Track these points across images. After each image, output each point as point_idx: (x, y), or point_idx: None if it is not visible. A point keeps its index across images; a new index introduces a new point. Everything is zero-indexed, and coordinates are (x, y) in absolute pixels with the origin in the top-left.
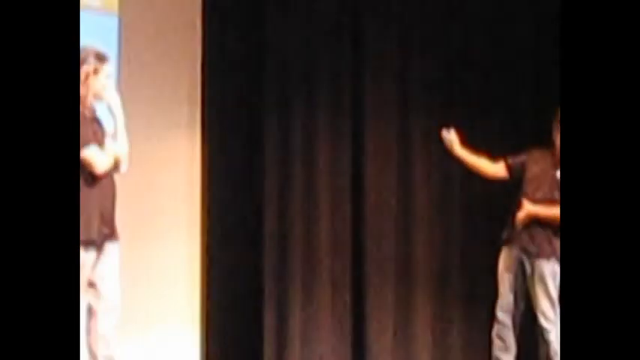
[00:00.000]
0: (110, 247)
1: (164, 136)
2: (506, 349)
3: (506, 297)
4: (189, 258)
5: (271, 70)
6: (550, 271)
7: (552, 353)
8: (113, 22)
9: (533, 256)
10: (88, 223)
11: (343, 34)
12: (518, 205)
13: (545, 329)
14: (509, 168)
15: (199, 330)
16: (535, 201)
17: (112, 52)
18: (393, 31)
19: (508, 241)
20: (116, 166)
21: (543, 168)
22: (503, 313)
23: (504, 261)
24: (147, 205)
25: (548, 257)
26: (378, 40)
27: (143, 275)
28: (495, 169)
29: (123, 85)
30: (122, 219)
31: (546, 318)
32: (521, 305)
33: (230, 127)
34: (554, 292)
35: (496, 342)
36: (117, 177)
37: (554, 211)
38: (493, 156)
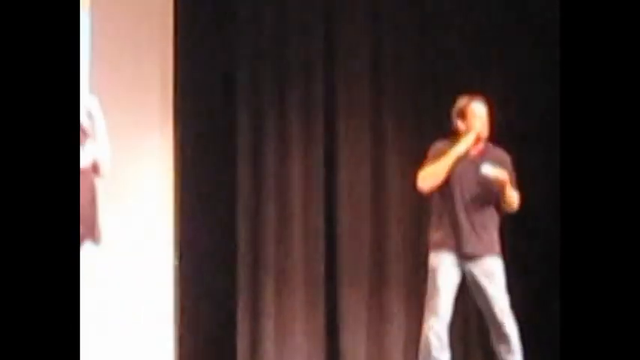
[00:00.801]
0: (87, 248)
1: (136, 132)
2: (442, 348)
3: (445, 294)
4: (162, 257)
5: (244, 64)
6: (498, 266)
7: (513, 346)
8: (84, 18)
9: (479, 256)
10: None
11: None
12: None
13: (504, 324)
14: None
15: (173, 326)
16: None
17: (82, 49)
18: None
19: (447, 244)
20: (95, 170)
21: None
22: (445, 313)
23: (444, 261)
24: (120, 205)
25: (494, 254)
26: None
27: (116, 274)
28: None
29: (94, 82)
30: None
31: (504, 313)
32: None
33: (203, 122)
34: (504, 286)
35: (434, 342)
36: None
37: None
38: None
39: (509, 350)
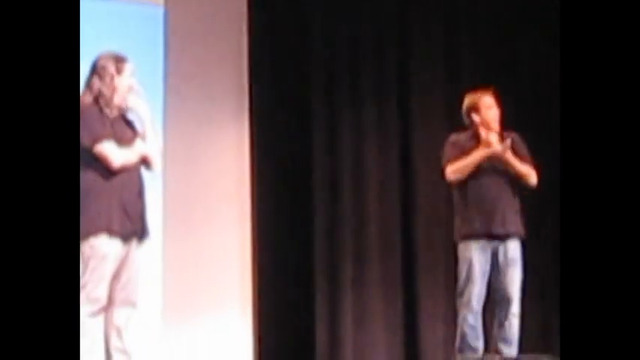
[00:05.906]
0: (136, 245)
1: (211, 127)
2: (477, 337)
3: (478, 285)
4: (239, 250)
5: (318, 61)
6: (519, 251)
7: (512, 335)
8: (159, 13)
9: (505, 239)
10: (108, 214)
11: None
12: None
13: (514, 314)
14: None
15: (251, 319)
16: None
17: (158, 44)
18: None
19: (478, 231)
20: (146, 165)
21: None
22: (478, 303)
23: (473, 249)
24: (196, 199)
25: (518, 238)
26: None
27: (194, 267)
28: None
29: (169, 76)
30: (174, 212)
31: (514, 301)
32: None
33: (278, 118)
34: (520, 271)
35: (469, 332)
36: (168, 172)
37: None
38: None
39: (507, 338)
